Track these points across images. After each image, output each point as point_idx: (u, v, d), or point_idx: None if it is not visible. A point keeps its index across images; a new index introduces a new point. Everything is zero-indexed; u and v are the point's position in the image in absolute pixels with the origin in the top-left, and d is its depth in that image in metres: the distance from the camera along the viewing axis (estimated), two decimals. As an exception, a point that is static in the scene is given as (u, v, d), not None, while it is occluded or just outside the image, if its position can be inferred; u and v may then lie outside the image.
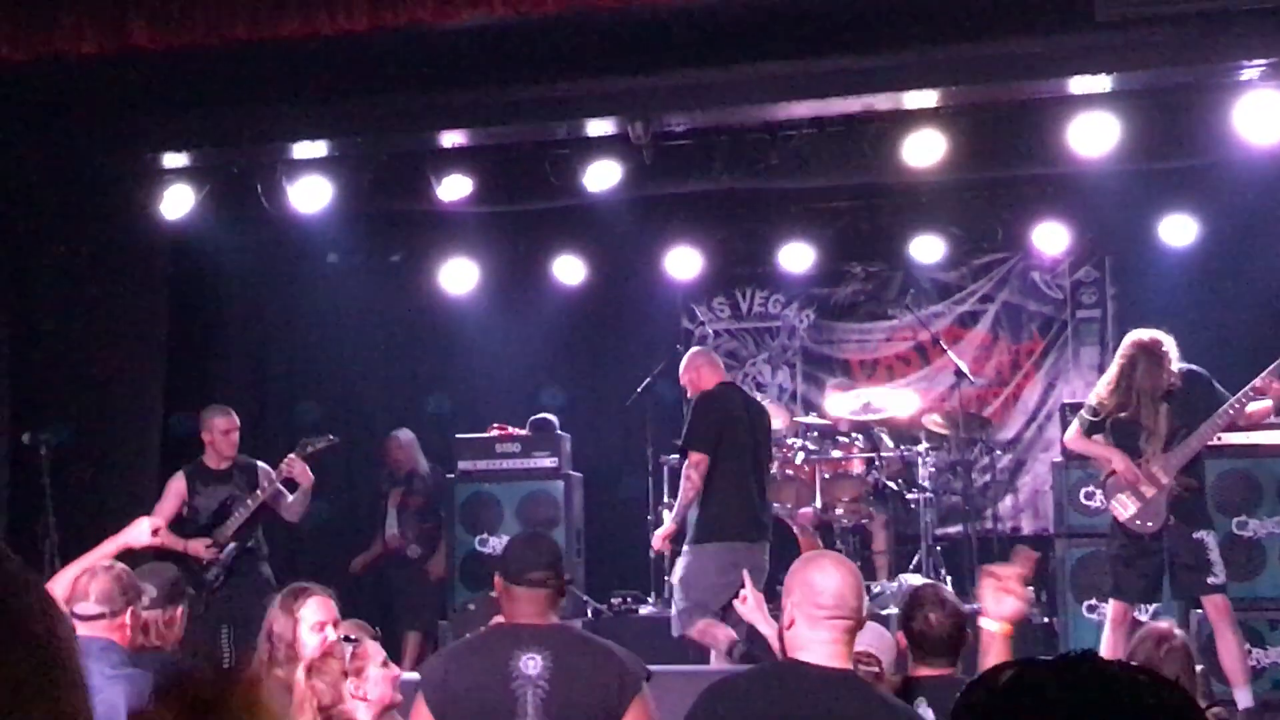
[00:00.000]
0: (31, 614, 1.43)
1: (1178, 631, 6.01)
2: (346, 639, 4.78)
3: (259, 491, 9.13)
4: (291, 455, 9.18)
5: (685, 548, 8.83)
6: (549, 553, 4.93)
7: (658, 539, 9.25)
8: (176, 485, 9.26)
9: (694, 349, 9.81)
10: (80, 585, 5.30)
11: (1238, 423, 8.11)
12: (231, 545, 9.07)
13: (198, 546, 9.00)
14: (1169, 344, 8.02)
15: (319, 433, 9.48)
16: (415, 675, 5.00)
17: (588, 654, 4.78)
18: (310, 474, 9.18)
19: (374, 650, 4.75)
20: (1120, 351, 8.22)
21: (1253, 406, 7.92)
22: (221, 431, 9.25)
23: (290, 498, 9.30)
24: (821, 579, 4.11)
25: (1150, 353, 8.01)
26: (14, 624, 1.41)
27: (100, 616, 5.21)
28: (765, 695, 4.13)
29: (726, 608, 8.12)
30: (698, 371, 9.11)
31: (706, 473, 8.62)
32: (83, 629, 5.14)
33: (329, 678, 4.58)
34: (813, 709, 4.04)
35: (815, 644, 4.07)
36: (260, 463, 9.41)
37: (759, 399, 9.96)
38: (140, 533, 6.20)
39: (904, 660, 5.17)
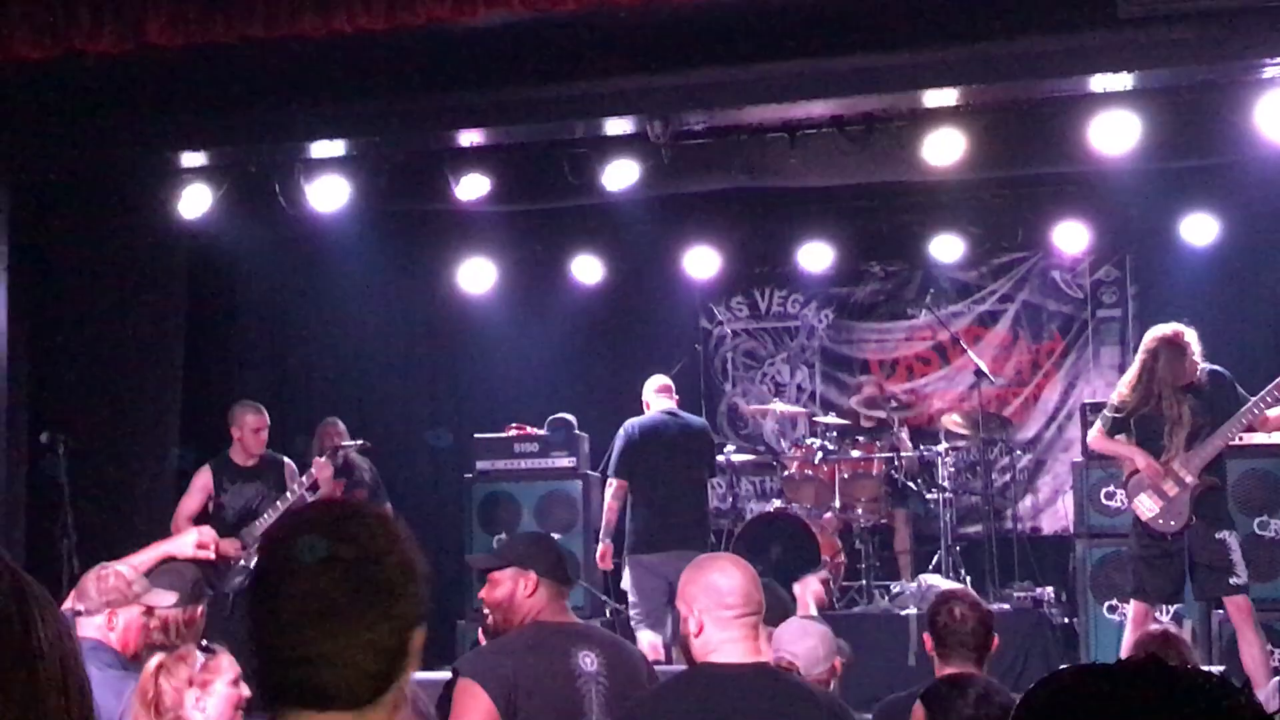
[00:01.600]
0: (32, 628, 1.47)
1: (1173, 630, 5.97)
2: (205, 648, 4.69)
3: (288, 494, 9.08)
4: (322, 459, 9.14)
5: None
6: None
7: (598, 559, 9.96)
8: (203, 480, 9.20)
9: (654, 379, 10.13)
10: (83, 584, 5.32)
11: (1255, 427, 8.05)
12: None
13: (227, 547, 8.92)
14: (1191, 336, 7.97)
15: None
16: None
17: (625, 651, 4.96)
18: (334, 483, 9.19)
19: (227, 665, 4.64)
20: (1142, 346, 8.18)
21: (1274, 411, 7.87)
22: (252, 429, 9.20)
23: (309, 500, 9.27)
24: (725, 580, 4.14)
25: (1172, 345, 7.96)
26: (14, 639, 1.45)
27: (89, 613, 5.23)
28: (688, 703, 4.15)
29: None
30: (645, 403, 9.96)
31: (625, 495, 9.62)
32: (83, 627, 5.17)
33: (175, 682, 4.52)
34: (736, 706, 4.06)
35: (728, 644, 4.11)
36: (287, 459, 9.39)
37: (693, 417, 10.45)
38: (185, 544, 6.24)
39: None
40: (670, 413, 9.85)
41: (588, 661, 4.66)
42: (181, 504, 9.18)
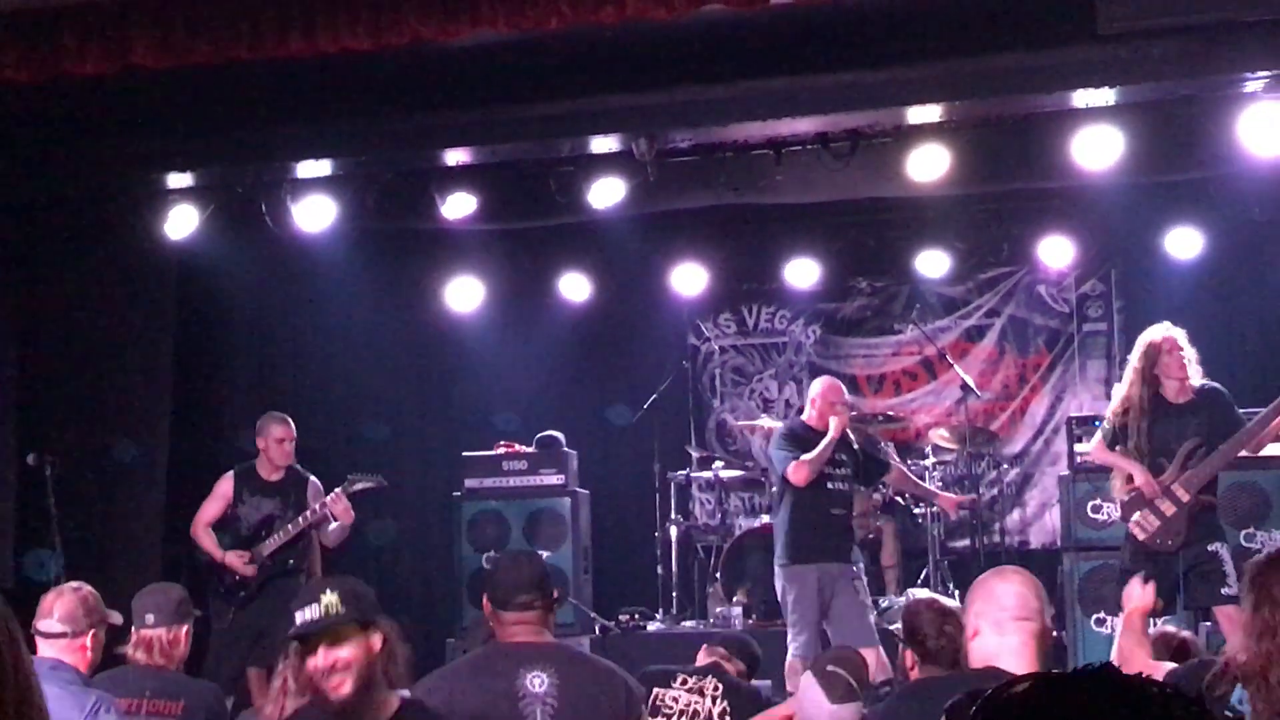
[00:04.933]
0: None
1: (1187, 634, 5.95)
2: None
3: (301, 519, 9.02)
4: (336, 492, 9.08)
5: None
6: (534, 572, 4.85)
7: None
8: (224, 487, 9.17)
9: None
10: (46, 603, 5.31)
11: (1249, 449, 8.03)
12: (268, 564, 8.96)
13: (235, 561, 8.90)
14: (1179, 334, 7.91)
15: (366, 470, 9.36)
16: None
17: (591, 671, 4.78)
18: (352, 513, 9.05)
19: None
20: (1132, 353, 8.12)
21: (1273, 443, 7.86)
22: (277, 440, 9.16)
23: (332, 525, 9.19)
24: (1002, 585, 4.23)
25: (1161, 342, 7.91)
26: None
27: (62, 635, 5.22)
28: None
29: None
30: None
31: None
32: (43, 647, 5.16)
33: None
34: None
35: (1006, 651, 4.11)
36: (313, 478, 9.33)
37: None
38: None
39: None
40: None
41: (536, 682, 4.56)
42: (202, 509, 9.13)
